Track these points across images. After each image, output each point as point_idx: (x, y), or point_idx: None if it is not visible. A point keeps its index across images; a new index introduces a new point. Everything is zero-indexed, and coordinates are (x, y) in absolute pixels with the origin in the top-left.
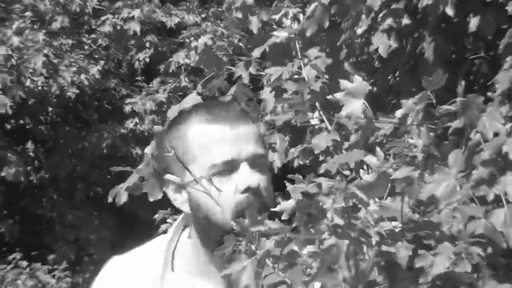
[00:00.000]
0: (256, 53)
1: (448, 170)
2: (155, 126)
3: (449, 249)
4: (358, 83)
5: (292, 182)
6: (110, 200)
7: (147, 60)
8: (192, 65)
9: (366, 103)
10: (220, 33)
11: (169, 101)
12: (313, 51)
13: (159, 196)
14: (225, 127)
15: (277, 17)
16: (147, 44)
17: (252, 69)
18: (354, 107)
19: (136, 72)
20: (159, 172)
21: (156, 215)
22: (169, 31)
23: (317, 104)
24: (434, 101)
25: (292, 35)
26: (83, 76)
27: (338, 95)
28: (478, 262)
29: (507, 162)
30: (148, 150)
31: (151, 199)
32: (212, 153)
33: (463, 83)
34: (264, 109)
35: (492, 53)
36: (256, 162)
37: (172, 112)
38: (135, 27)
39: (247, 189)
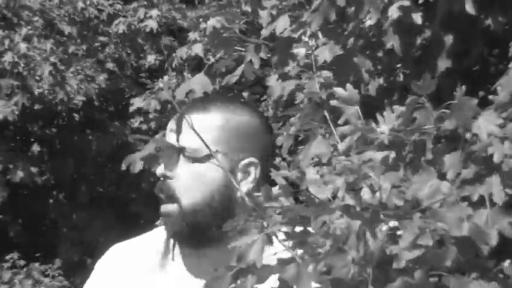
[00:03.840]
0: (266, 32)
1: (432, 169)
2: (177, 98)
3: (415, 224)
4: (351, 91)
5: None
6: (123, 167)
7: (157, 63)
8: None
9: (360, 111)
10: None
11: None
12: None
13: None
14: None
15: (296, 35)
16: (162, 47)
17: (262, 54)
18: (350, 114)
19: (141, 71)
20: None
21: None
22: (179, 32)
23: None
24: (427, 105)
25: (310, 51)
26: (89, 85)
27: (334, 103)
28: (442, 238)
29: (493, 163)
30: (170, 123)
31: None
32: None
33: (463, 87)
34: (269, 96)
35: (497, 50)
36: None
37: (180, 92)
38: (152, 25)
39: (161, 176)
